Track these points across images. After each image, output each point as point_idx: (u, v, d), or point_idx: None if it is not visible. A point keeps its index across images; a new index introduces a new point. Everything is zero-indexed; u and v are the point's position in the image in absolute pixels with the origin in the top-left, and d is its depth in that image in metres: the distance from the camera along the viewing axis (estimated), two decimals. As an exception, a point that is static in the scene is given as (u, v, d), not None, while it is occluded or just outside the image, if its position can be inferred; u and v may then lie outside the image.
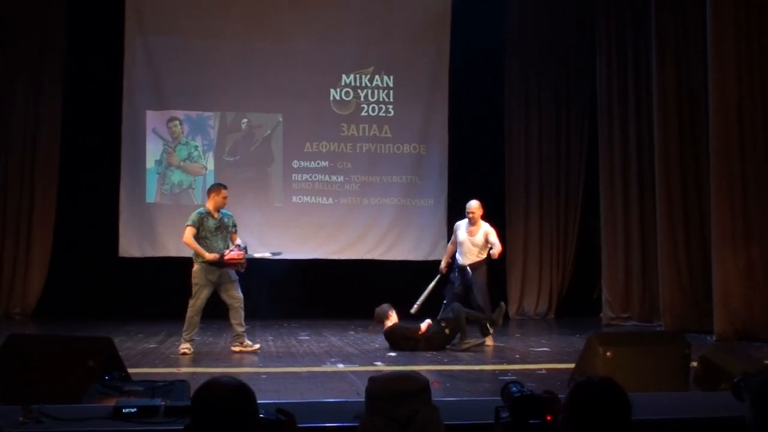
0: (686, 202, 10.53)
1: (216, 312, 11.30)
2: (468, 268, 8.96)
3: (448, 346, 8.35)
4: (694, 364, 5.43)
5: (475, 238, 9.02)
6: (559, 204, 12.76)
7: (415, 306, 9.11)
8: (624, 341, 5.72)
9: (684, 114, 10.54)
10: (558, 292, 12.69)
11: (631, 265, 11.48)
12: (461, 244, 9.10)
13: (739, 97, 9.35)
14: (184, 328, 7.98)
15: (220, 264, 7.94)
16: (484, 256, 9.03)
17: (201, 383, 2.34)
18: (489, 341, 8.70)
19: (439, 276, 9.30)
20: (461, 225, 9.20)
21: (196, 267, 8.03)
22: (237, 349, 8.15)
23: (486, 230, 9.03)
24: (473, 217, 9.06)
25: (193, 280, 8.02)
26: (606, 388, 2.33)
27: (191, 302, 8.00)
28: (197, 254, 7.99)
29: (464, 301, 8.85)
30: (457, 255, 9.13)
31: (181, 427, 2.37)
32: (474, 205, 9.10)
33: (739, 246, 9.26)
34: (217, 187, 8.30)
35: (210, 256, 7.89)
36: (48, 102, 11.73)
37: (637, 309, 11.36)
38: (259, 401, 2.35)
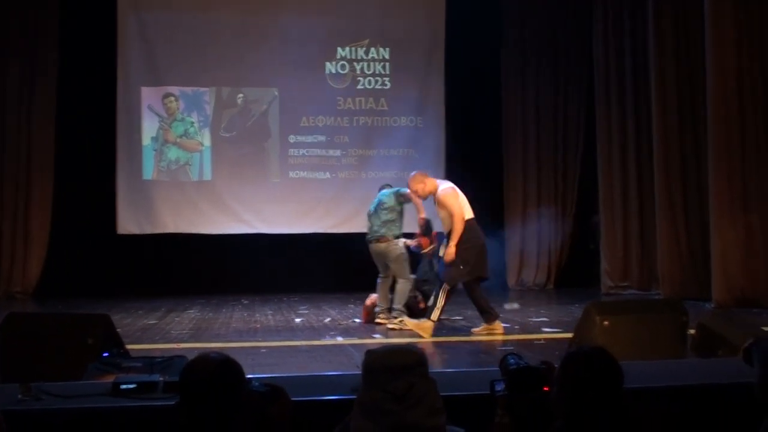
0: (684, 169, 10.50)
1: (214, 287, 11.37)
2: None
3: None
4: (692, 331, 5.44)
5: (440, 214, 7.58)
6: (557, 174, 12.73)
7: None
8: (621, 310, 5.73)
9: (682, 82, 10.47)
10: (557, 263, 12.69)
11: (630, 234, 11.48)
12: None
13: (738, 64, 9.28)
14: (400, 302, 7.99)
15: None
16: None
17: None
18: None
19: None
20: None
21: (400, 243, 8.17)
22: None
23: (438, 196, 7.46)
24: (420, 196, 7.75)
25: (402, 257, 8.11)
26: (597, 357, 2.33)
27: (408, 276, 8.12)
28: (396, 228, 8.18)
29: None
30: None
31: (180, 403, 2.38)
32: (410, 184, 7.75)
33: (737, 214, 9.25)
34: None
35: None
36: (42, 81, 11.65)
37: (636, 278, 11.37)
38: (253, 375, 2.35)
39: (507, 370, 2.70)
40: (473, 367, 5.49)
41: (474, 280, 7.36)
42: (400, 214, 8.31)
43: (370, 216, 8.45)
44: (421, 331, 7.12)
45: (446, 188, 7.48)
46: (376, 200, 8.53)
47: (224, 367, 2.30)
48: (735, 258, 9.19)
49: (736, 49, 9.28)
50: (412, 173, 7.87)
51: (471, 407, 3.14)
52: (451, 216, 7.28)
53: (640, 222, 11.41)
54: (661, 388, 3.59)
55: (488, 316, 7.38)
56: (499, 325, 7.40)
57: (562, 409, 2.34)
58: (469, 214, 7.43)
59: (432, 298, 7.39)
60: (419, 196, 7.75)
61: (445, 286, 7.22)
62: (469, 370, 5.13)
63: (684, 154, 10.51)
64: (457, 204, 7.33)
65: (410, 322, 7.40)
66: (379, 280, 8.32)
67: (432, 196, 7.57)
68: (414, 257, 8.63)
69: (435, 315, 7.20)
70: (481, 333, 7.36)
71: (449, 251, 7.19)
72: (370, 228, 8.34)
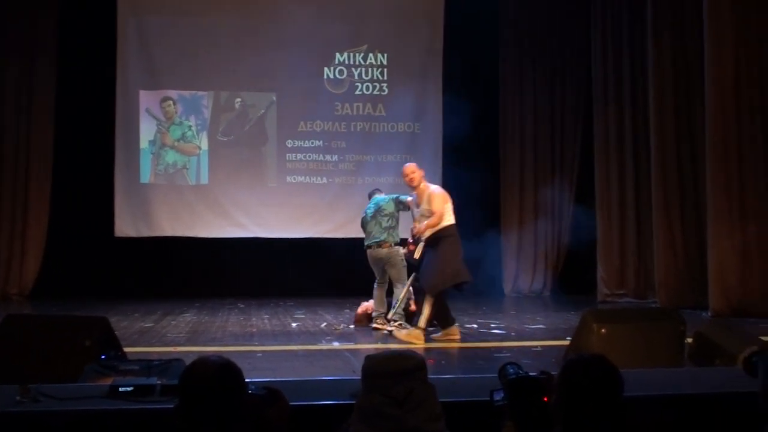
0: (682, 178, 10.53)
1: (210, 291, 11.36)
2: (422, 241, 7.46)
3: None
4: (689, 340, 5.45)
5: (421, 207, 7.57)
6: (554, 181, 12.74)
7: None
8: (619, 318, 5.74)
9: (680, 89, 10.50)
10: (553, 270, 12.70)
11: (627, 241, 11.49)
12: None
13: (736, 72, 9.30)
14: (400, 307, 7.76)
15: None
16: (440, 226, 7.38)
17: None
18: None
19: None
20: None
21: (400, 249, 8.08)
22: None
23: (430, 193, 7.52)
24: (410, 183, 7.66)
25: (402, 262, 8.02)
26: (597, 364, 2.34)
27: (406, 281, 7.87)
28: (396, 235, 8.26)
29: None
30: None
31: (178, 406, 2.38)
32: (407, 167, 7.74)
33: (734, 223, 9.26)
34: None
35: None
36: (41, 83, 11.64)
37: (632, 286, 11.38)
38: (251, 379, 2.35)
39: (506, 379, 2.70)
40: (470, 374, 5.49)
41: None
42: (398, 220, 8.36)
43: (367, 222, 8.42)
44: (413, 339, 7.04)
45: (440, 190, 7.62)
46: (372, 205, 8.50)
47: (224, 371, 2.31)
48: (732, 267, 9.20)
49: (734, 54, 9.28)
50: (410, 165, 7.86)
51: (468, 413, 3.15)
52: (431, 213, 7.35)
53: (637, 230, 11.43)
54: (658, 396, 3.60)
55: (445, 322, 7.41)
56: (456, 330, 7.42)
57: (561, 416, 2.34)
58: (451, 219, 7.50)
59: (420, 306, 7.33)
60: (411, 183, 7.67)
61: (428, 297, 7.16)
62: (466, 377, 5.12)
63: (681, 161, 10.53)
64: (443, 207, 7.41)
65: (399, 334, 7.30)
66: (375, 286, 8.32)
67: (417, 192, 7.62)
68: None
69: (422, 323, 7.14)
70: (440, 339, 7.36)
71: (420, 227, 7.34)
72: (369, 233, 8.32)
